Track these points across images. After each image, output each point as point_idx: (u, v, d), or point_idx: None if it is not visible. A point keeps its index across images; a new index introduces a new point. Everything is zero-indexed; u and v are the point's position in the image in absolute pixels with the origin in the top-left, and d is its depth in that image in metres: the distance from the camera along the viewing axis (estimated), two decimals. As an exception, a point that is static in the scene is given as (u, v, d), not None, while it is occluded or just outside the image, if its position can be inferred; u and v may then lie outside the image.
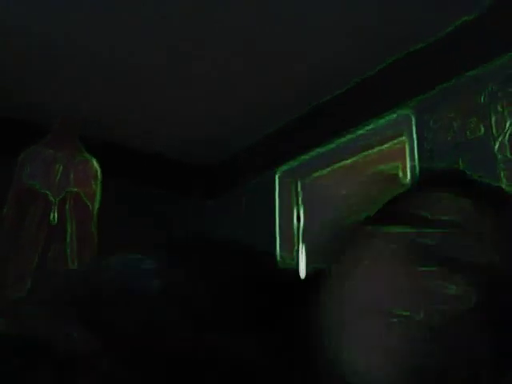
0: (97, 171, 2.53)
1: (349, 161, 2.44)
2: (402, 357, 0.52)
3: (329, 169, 2.54)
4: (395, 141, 2.24)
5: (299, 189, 2.71)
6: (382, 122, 2.26)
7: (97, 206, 2.52)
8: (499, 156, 1.81)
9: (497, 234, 0.58)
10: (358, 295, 0.56)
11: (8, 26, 2.14)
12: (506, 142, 1.80)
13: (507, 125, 1.81)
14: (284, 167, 2.73)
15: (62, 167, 2.49)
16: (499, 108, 1.84)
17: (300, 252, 2.59)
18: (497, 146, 1.82)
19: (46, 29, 2.14)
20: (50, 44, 2.23)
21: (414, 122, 2.12)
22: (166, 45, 2.23)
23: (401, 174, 2.16)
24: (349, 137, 2.40)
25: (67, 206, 2.45)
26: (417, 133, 2.10)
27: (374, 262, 0.57)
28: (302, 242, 2.60)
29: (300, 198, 2.70)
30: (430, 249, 0.55)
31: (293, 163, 2.69)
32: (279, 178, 2.75)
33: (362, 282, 0.57)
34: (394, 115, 2.21)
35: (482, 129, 1.87)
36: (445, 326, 0.52)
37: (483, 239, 0.57)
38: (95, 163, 2.54)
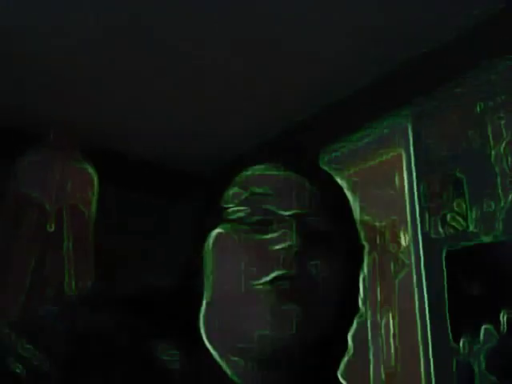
0: (94, 179, 2.53)
1: (344, 172, 2.44)
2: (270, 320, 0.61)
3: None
4: (392, 151, 2.25)
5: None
6: (377, 131, 2.27)
7: (94, 214, 2.51)
8: (496, 166, 1.82)
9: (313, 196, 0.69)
10: (225, 276, 0.65)
11: (7, 28, 2.14)
12: (503, 152, 1.82)
13: (504, 135, 1.82)
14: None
15: (58, 175, 2.48)
16: (496, 118, 1.85)
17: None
18: (493, 157, 1.84)
19: (46, 28, 2.14)
20: (49, 50, 2.23)
21: (410, 132, 2.13)
22: (165, 48, 2.23)
23: (398, 185, 2.17)
24: (344, 148, 2.40)
25: (64, 215, 2.45)
26: (413, 143, 2.12)
27: (225, 247, 0.67)
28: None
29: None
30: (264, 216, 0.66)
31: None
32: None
33: (222, 265, 0.66)
34: (391, 125, 2.22)
35: (479, 139, 1.89)
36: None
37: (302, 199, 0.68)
38: (92, 171, 2.53)
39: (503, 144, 1.82)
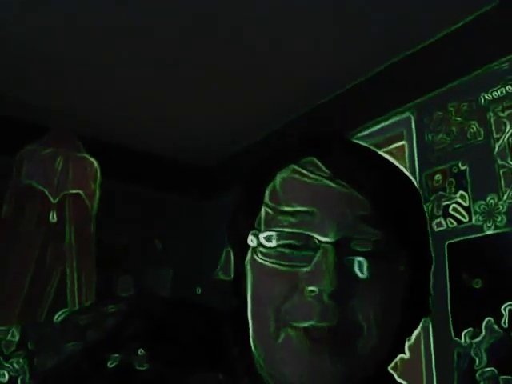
0: (96, 171, 2.53)
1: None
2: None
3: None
4: (395, 144, 2.24)
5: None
6: (381, 124, 2.26)
7: (96, 205, 2.52)
8: (499, 158, 1.81)
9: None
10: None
11: (7, 25, 2.14)
12: (506, 145, 1.81)
13: (507, 128, 1.81)
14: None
15: (60, 166, 2.48)
16: (499, 111, 1.84)
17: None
18: (496, 150, 1.83)
19: (46, 28, 2.14)
20: (49, 43, 2.23)
21: (413, 125, 2.13)
22: (166, 45, 2.23)
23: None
24: (348, 139, 2.39)
25: (66, 206, 2.45)
26: (417, 135, 2.11)
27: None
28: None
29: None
30: None
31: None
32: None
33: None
34: (394, 118, 2.21)
35: (482, 132, 1.88)
36: None
37: None
38: (95, 163, 2.53)
39: (506, 136, 1.81)
